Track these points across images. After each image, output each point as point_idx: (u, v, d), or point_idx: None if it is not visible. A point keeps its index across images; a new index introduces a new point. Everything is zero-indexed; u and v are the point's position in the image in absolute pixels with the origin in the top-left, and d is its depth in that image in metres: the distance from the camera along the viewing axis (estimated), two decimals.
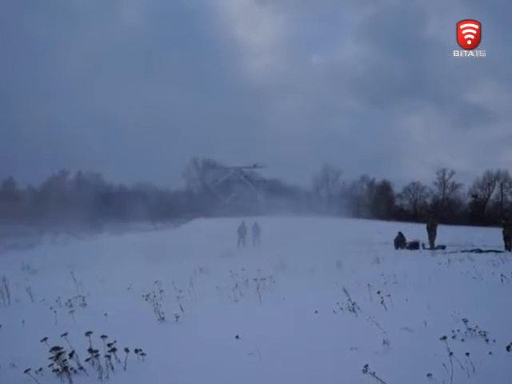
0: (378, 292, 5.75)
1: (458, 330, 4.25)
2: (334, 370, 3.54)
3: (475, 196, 58.13)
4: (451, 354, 3.30)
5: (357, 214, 42.24)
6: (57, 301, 6.43)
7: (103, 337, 3.64)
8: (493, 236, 20.26)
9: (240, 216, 26.75)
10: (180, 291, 6.91)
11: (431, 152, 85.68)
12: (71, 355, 3.50)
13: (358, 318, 5.19)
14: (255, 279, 7.34)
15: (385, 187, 60.70)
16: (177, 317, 5.25)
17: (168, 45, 75.27)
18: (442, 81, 76.07)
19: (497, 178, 57.29)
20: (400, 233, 20.72)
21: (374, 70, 74.15)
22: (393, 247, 19.57)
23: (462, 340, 4.11)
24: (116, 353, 3.58)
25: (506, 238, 18.08)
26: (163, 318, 5.32)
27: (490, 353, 3.72)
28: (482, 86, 79.16)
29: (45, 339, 3.60)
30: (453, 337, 4.10)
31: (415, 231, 21.90)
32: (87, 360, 3.52)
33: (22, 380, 3.34)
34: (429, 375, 3.26)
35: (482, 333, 4.17)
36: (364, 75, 77.62)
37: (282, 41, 79.38)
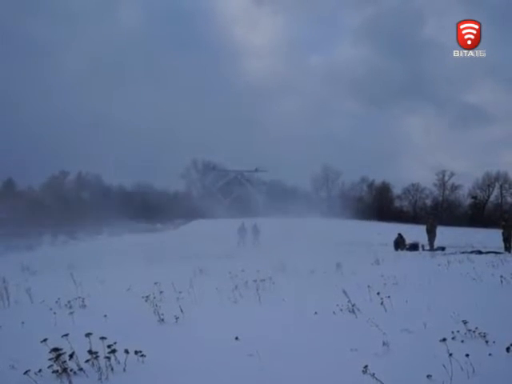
0: (378, 293, 5.75)
1: (458, 332, 4.25)
2: (334, 371, 3.54)
3: (475, 197, 58.19)
4: (451, 355, 3.30)
5: (356, 215, 42.21)
6: (56, 302, 6.42)
7: (103, 338, 3.64)
8: (492, 237, 20.28)
9: (239, 217, 26.77)
10: (180, 292, 6.91)
11: (431, 153, 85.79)
12: (71, 356, 3.50)
13: (357, 320, 5.18)
14: (255, 280, 7.34)
15: (384, 188, 60.77)
16: (176, 318, 5.25)
17: (167, 46, 75.45)
18: (440, 82, 76.28)
19: (496, 179, 57.43)
20: (400, 234, 20.75)
21: (373, 71, 74.40)
22: (392, 248, 19.60)
23: (462, 341, 4.11)
24: (116, 354, 3.58)
25: (505, 240, 18.10)
26: (163, 320, 5.32)
27: (490, 354, 3.72)
28: (480, 86, 79.40)
29: (44, 340, 3.60)
30: (452, 338, 4.10)
31: (415, 232, 21.93)
32: (87, 361, 3.52)
33: (21, 381, 3.34)
34: (428, 376, 3.26)
35: (482, 334, 4.17)
36: (363, 76, 77.89)
37: (281, 42, 79.64)
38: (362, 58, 78.17)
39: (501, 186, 57.22)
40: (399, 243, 20.14)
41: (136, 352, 3.73)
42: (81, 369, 3.53)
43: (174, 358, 3.93)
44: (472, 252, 15.85)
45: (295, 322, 5.17)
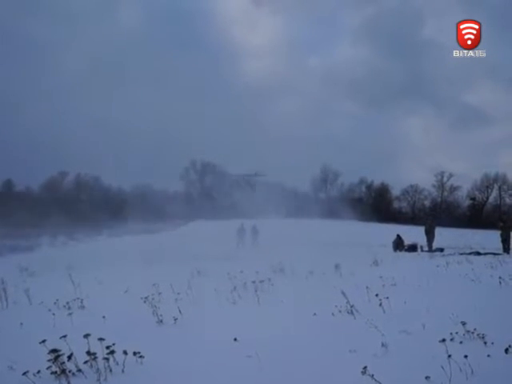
0: (377, 294, 5.75)
1: (457, 333, 4.26)
2: (333, 372, 3.54)
3: (473, 198, 58.24)
4: (449, 356, 3.30)
5: (355, 217, 42.24)
6: (55, 303, 6.42)
7: (101, 339, 3.64)
8: (491, 238, 20.28)
9: (238, 218, 26.75)
10: (178, 294, 6.90)
11: (430, 154, 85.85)
12: (69, 358, 3.49)
13: (356, 321, 5.19)
14: (253, 282, 7.33)
15: (383, 189, 60.84)
16: (175, 319, 5.25)
17: (166, 46, 75.47)
18: (440, 82, 76.41)
19: (495, 180, 57.48)
20: (398, 235, 20.76)
21: (372, 72, 74.51)
22: (391, 249, 19.60)
23: (461, 342, 4.12)
24: (114, 355, 3.58)
25: (503, 241, 18.10)
26: (161, 321, 5.31)
27: (489, 355, 3.73)
28: (480, 87, 79.58)
29: (43, 341, 3.59)
30: (451, 339, 4.10)
31: (413, 233, 21.93)
32: (85, 362, 3.52)
33: (20, 382, 3.33)
34: (427, 377, 3.26)
35: (481, 335, 4.17)
36: (362, 77, 77.99)
37: (280, 42, 79.74)
38: (362, 58, 78.34)
39: (499, 188, 57.32)
40: (398, 244, 20.15)
41: (134, 353, 3.73)
42: (79, 370, 3.53)
43: (172, 360, 3.93)
44: (470, 253, 15.86)
45: (294, 323, 5.16)
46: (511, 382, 3.34)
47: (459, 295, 6.69)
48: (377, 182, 61.03)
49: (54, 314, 5.50)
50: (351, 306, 5.48)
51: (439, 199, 59.52)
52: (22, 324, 5.27)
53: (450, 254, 15.85)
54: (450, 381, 3.19)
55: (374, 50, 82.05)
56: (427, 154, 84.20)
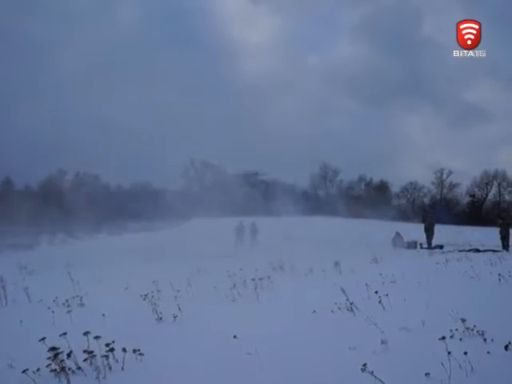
0: (376, 292, 5.75)
1: (456, 330, 4.26)
2: (333, 369, 3.54)
3: (473, 196, 58.21)
4: (449, 353, 3.30)
5: (354, 214, 42.20)
6: (54, 301, 6.42)
7: (100, 337, 3.64)
8: (490, 235, 20.30)
9: (237, 216, 26.71)
10: (178, 291, 6.90)
11: (429, 152, 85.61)
12: (69, 355, 3.49)
13: (356, 318, 5.19)
14: (253, 279, 7.33)
15: (382, 187, 60.78)
16: (175, 317, 5.24)
17: (165, 45, 75.09)
18: (439, 80, 76.14)
19: (494, 177, 57.40)
20: (397, 232, 20.77)
21: (371, 70, 74.12)
22: (390, 247, 19.61)
23: (460, 339, 4.12)
24: (114, 353, 3.58)
25: (503, 238, 18.13)
26: (161, 318, 5.32)
27: (488, 352, 3.73)
28: (479, 85, 79.25)
29: (42, 339, 3.59)
30: (451, 336, 4.10)
31: (413, 231, 21.95)
32: (85, 360, 3.51)
33: (19, 380, 3.33)
34: (427, 374, 3.26)
35: (480, 332, 4.17)
36: (361, 75, 77.62)
37: (279, 41, 79.29)
38: (361, 56, 77.96)
39: (499, 185, 57.26)
40: (397, 241, 20.17)
41: (134, 350, 3.73)
42: (79, 367, 3.53)
43: (172, 357, 3.92)
44: (470, 250, 15.89)
45: (294, 321, 5.17)
46: (511, 379, 3.34)
47: (459, 292, 6.70)
48: (376, 180, 61.00)
49: (53, 312, 5.49)
50: (351, 303, 5.48)
51: (438, 196, 59.54)
52: (21, 322, 5.27)
53: (450, 251, 15.88)
54: (449, 378, 3.19)
55: (372, 48, 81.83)
56: (426, 152, 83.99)
